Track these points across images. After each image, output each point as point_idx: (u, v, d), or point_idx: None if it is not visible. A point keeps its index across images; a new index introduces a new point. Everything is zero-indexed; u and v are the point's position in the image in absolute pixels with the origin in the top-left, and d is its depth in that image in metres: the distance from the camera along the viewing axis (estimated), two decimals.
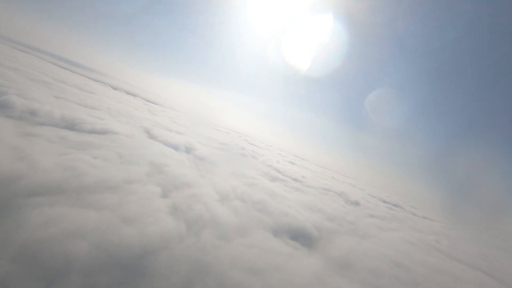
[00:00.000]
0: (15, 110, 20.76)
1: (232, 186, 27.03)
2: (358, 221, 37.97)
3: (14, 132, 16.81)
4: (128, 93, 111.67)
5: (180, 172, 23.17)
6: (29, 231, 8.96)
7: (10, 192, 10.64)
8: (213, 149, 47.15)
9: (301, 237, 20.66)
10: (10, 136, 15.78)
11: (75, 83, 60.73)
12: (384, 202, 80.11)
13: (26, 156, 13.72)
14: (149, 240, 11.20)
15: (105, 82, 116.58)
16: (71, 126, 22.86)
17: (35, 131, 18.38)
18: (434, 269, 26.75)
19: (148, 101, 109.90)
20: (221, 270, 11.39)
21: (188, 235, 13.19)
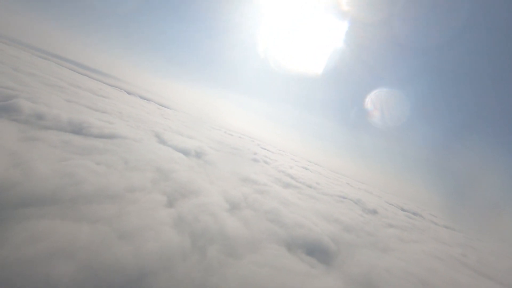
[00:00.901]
0: (22, 114, 20.26)
1: (243, 194, 25.60)
2: (377, 231, 35.58)
3: (16, 136, 16.11)
4: (142, 97, 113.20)
5: (188, 178, 21.97)
6: (7, 250, 7.83)
7: None
8: (224, 154, 46.09)
9: (318, 251, 18.87)
10: (10, 140, 15.05)
11: (90, 88, 61.52)
12: (403, 210, 76.57)
13: (23, 162, 12.83)
14: (148, 259, 9.87)
15: (120, 87, 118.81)
16: (78, 130, 22.19)
17: (38, 135, 17.68)
18: None
19: (162, 106, 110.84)
20: None
21: (193, 252, 11.79)
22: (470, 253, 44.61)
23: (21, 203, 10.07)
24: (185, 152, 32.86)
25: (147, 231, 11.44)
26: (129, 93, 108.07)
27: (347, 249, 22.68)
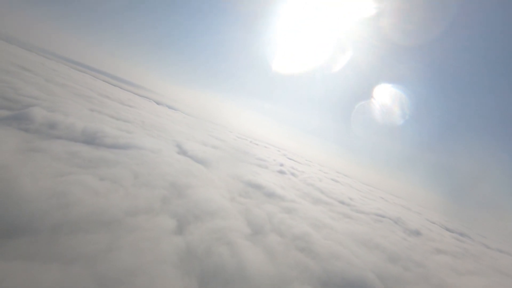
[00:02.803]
0: (34, 123, 19.06)
1: (267, 213, 22.36)
2: (426, 260, 30.20)
3: (15, 147, 14.52)
4: (170, 107, 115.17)
5: (206, 195, 19.30)
6: None
7: None
8: (249, 166, 43.26)
9: None
10: (6, 152, 13.39)
11: (119, 98, 62.52)
12: (447, 229, 68.09)
13: (7, 178, 10.87)
14: None
15: (150, 97, 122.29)
16: (91, 140, 20.63)
17: (43, 145, 16.08)
18: None
19: (188, 115, 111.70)
20: None
21: None
22: None
23: None
24: (206, 164, 30.51)
25: (140, 275, 8.69)
26: (158, 103, 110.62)
27: None
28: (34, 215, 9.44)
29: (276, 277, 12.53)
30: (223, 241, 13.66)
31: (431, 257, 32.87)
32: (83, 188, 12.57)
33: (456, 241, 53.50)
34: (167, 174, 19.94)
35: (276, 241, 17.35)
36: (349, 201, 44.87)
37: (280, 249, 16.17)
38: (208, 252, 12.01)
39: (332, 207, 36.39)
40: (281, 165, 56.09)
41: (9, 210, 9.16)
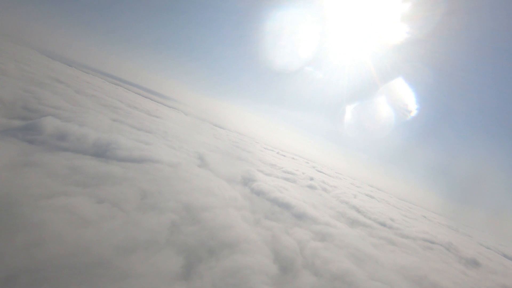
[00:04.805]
0: (42, 133, 17.59)
1: (298, 242, 18.69)
2: None
3: (9, 161, 12.69)
4: (198, 118, 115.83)
5: (225, 220, 16.25)
6: None
7: None
8: (276, 180, 39.69)
9: None
10: None
11: (147, 109, 62.87)
12: (506, 256, 58.36)
13: None
14: None
15: (179, 108, 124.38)
16: (101, 152, 18.74)
17: (44, 159, 14.21)
18: None
19: (216, 125, 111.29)
20: None
21: None
22: None
23: None
24: (229, 179, 27.64)
25: None
26: (186, 114, 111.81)
27: None
28: None
29: None
30: (242, 287, 10.38)
31: None
32: (70, 215, 10.12)
33: None
34: (182, 193, 17.26)
35: (310, 283, 13.68)
36: (391, 222, 39.15)
37: None
38: None
39: (372, 230, 31.47)
40: (311, 179, 51.68)
41: None
